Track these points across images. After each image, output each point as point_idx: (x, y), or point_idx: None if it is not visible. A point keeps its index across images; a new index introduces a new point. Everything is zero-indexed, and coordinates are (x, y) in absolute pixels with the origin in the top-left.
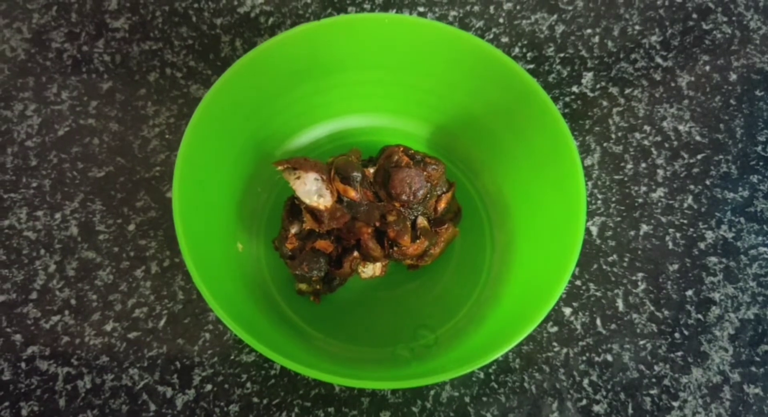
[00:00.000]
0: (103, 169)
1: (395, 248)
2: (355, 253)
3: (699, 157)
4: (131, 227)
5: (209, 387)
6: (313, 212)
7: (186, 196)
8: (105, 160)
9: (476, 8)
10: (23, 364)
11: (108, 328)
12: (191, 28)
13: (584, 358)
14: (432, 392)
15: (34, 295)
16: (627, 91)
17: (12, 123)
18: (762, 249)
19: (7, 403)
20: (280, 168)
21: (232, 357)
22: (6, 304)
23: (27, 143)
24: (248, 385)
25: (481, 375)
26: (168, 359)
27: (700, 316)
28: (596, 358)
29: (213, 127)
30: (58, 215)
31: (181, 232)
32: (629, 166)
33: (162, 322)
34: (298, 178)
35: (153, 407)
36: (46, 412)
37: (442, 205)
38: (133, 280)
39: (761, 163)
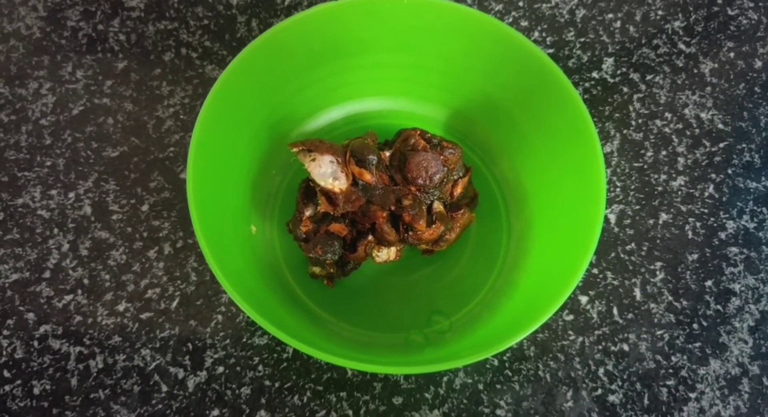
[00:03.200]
0: (117, 148)
1: (410, 232)
2: (370, 237)
3: (721, 145)
4: (145, 208)
5: (221, 369)
6: (328, 195)
7: (200, 178)
8: (119, 139)
9: None
10: (36, 343)
11: (120, 308)
12: (207, 8)
13: (600, 347)
14: (445, 379)
15: (47, 274)
16: (648, 77)
17: (27, 101)
18: None
19: (19, 382)
20: (295, 150)
21: (245, 339)
22: (19, 282)
23: (41, 122)
24: (260, 368)
25: (495, 362)
26: (180, 341)
27: (719, 307)
28: (612, 348)
29: (228, 108)
30: (71, 194)
31: (195, 213)
32: (649, 153)
33: (174, 304)
34: (314, 160)
35: (165, 388)
36: (58, 391)
37: (458, 190)
38: (146, 260)
39: None
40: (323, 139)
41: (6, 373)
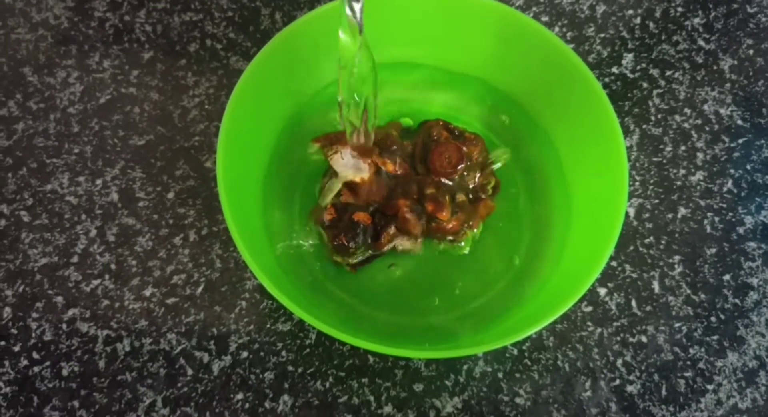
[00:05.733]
0: (144, 137)
1: (433, 223)
2: (392, 228)
3: (740, 141)
4: (170, 195)
5: (245, 354)
6: (350, 185)
7: (229, 166)
8: (145, 128)
9: None
10: (64, 326)
11: (147, 293)
12: (231, 0)
13: (618, 338)
14: (465, 367)
15: (75, 259)
16: (668, 73)
17: (55, 90)
18: None
19: (48, 363)
20: (318, 144)
21: (268, 325)
22: (48, 266)
23: (69, 110)
24: (283, 353)
25: (515, 351)
26: (205, 325)
27: (737, 300)
28: (630, 339)
29: (255, 97)
30: (99, 181)
31: (226, 201)
32: (668, 148)
33: (200, 289)
34: (336, 153)
35: (190, 371)
36: (86, 373)
37: (480, 180)
38: (171, 247)
39: None
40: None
41: (35, 355)
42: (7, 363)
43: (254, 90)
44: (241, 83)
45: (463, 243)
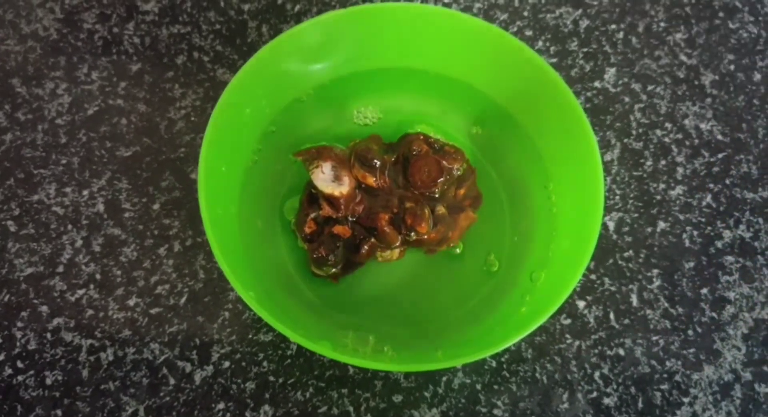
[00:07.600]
0: (130, 148)
1: (413, 235)
2: (372, 240)
3: (720, 156)
4: (156, 206)
5: (227, 364)
6: (330, 200)
7: (210, 176)
8: (132, 140)
9: (501, 0)
10: (49, 335)
11: (131, 303)
12: (219, 13)
13: (596, 351)
14: (444, 378)
15: (60, 269)
16: (649, 87)
17: (43, 101)
18: None
19: (32, 372)
20: (300, 158)
21: (250, 336)
22: (34, 276)
23: (57, 121)
24: (265, 363)
25: (493, 363)
26: (188, 336)
27: (714, 314)
28: (608, 352)
29: (238, 111)
30: (85, 192)
31: (206, 212)
32: (649, 162)
33: (183, 300)
34: (317, 167)
35: (172, 381)
36: (69, 382)
37: (461, 193)
38: (156, 257)
39: None
40: (328, 145)
41: (19, 364)
42: None
43: (238, 103)
44: (225, 95)
45: (443, 254)
